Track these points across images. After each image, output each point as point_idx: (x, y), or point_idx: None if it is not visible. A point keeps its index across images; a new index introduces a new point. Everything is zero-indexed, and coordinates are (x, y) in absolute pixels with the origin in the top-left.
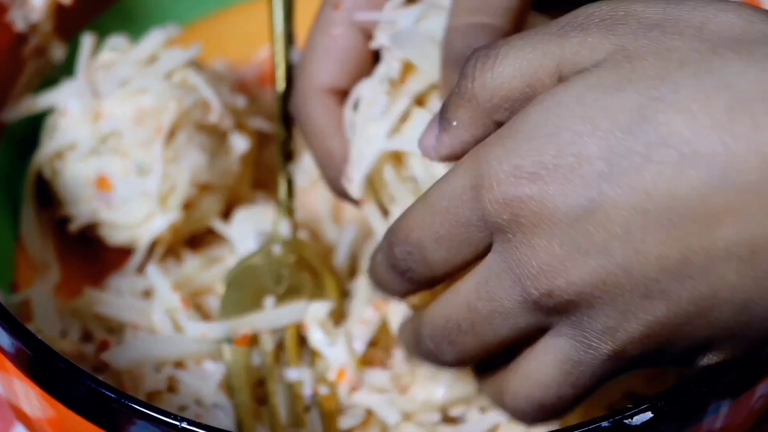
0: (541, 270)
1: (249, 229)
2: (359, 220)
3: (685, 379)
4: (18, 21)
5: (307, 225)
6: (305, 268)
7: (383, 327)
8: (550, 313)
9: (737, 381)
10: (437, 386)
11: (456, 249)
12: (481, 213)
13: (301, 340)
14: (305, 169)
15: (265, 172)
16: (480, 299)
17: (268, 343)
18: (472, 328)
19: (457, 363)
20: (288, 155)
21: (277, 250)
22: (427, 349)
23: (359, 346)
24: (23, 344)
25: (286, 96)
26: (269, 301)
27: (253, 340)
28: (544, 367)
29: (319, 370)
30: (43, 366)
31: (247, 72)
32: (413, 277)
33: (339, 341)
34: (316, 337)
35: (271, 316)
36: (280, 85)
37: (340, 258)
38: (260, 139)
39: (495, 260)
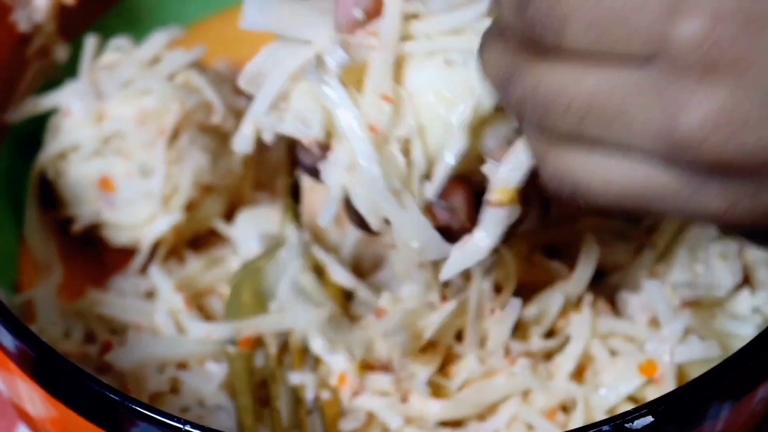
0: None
1: (251, 230)
2: None
3: (686, 383)
4: (22, 22)
5: (310, 227)
6: (309, 271)
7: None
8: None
9: (738, 384)
10: (434, 403)
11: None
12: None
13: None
14: None
15: (267, 173)
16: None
17: (272, 346)
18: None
19: None
20: (294, 160)
21: (283, 254)
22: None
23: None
24: (26, 345)
25: None
26: (273, 304)
27: (256, 343)
28: None
29: (321, 374)
30: (46, 367)
31: None
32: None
33: (339, 348)
34: (316, 344)
35: (274, 319)
36: None
37: (343, 261)
38: (262, 141)
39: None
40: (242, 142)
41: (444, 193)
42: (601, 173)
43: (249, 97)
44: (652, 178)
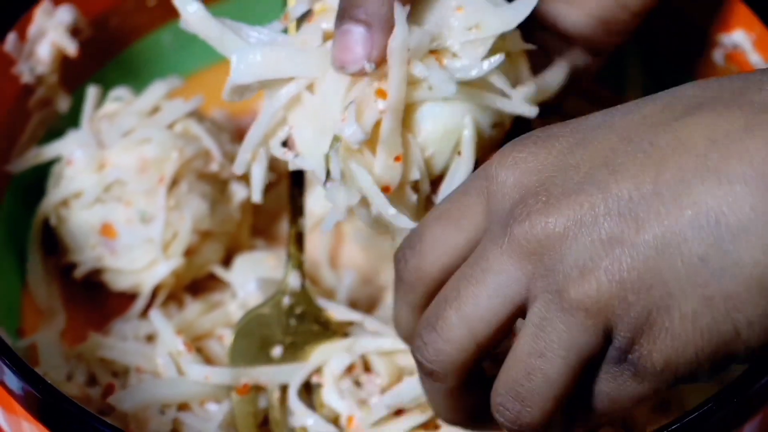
0: None
1: (249, 275)
2: (357, 265)
3: (673, 420)
4: (25, 73)
5: (306, 270)
6: (313, 318)
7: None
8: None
9: (725, 421)
10: None
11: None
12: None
13: (307, 386)
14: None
15: (265, 219)
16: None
17: (274, 391)
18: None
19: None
20: (299, 209)
21: (286, 301)
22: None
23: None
24: (32, 387)
25: None
26: (276, 350)
27: (257, 387)
28: None
29: (325, 414)
30: (51, 408)
31: (246, 122)
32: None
33: (348, 396)
34: (330, 397)
35: (273, 371)
36: None
37: (339, 303)
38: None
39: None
40: (240, 166)
41: None
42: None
43: None
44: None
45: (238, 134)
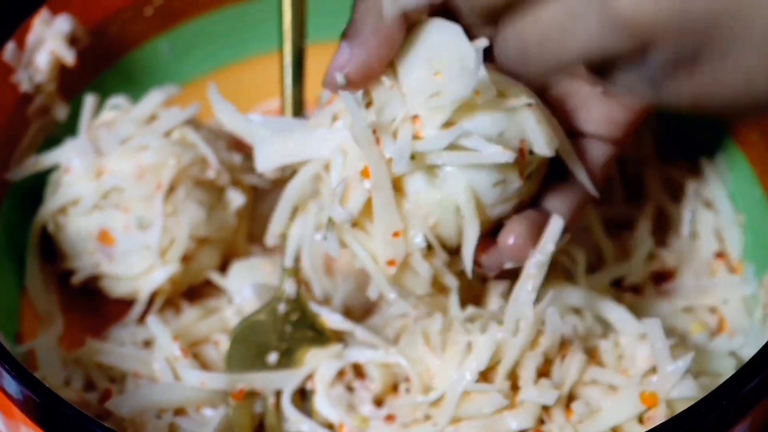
0: None
1: (245, 281)
2: (352, 272)
3: (661, 424)
4: (23, 82)
5: (301, 277)
6: (308, 325)
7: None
8: None
9: (715, 423)
10: None
11: None
12: None
13: (303, 392)
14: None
15: (261, 226)
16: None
17: (270, 397)
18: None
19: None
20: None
21: (281, 308)
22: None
23: (363, 408)
24: (31, 391)
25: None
26: (272, 357)
27: (253, 392)
28: None
29: (319, 420)
30: (49, 413)
31: None
32: None
33: (339, 404)
34: (321, 404)
35: (268, 377)
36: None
37: (334, 310)
38: (255, 194)
39: None
40: (271, 238)
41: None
42: (557, 34)
43: (242, 153)
44: (603, 39)
45: (234, 142)
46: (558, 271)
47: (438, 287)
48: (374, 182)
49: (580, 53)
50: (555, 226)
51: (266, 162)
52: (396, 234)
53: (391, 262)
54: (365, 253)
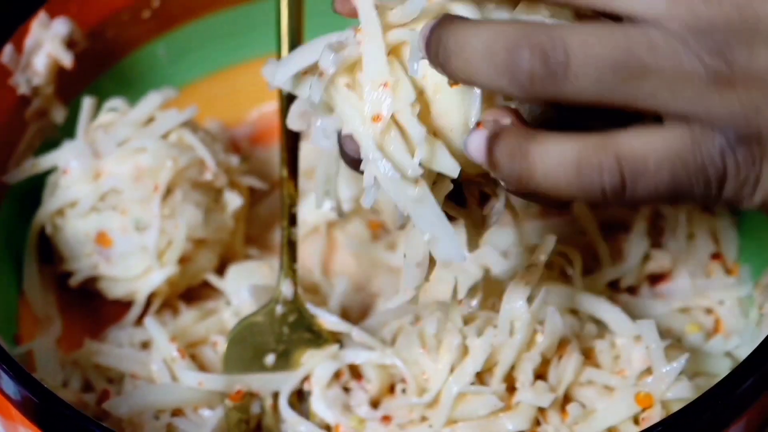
0: None
1: (242, 283)
2: (349, 273)
3: (655, 423)
4: (21, 84)
5: (299, 278)
6: (305, 326)
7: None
8: None
9: (710, 423)
10: None
11: None
12: None
13: (301, 393)
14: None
15: (258, 228)
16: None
17: (267, 398)
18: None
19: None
20: (292, 218)
21: (278, 309)
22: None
23: (360, 409)
24: (29, 392)
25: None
26: (269, 358)
27: (251, 394)
28: None
29: (317, 421)
30: (48, 413)
31: (239, 132)
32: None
33: (335, 405)
34: (317, 405)
35: (265, 378)
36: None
37: (332, 310)
38: (253, 197)
39: None
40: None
41: None
42: None
43: (239, 155)
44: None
45: (231, 144)
46: (554, 272)
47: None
48: (366, 33)
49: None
50: None
51: (281, 76)
52: (385, 85)
53: (376, 118)
54: (353, 112)
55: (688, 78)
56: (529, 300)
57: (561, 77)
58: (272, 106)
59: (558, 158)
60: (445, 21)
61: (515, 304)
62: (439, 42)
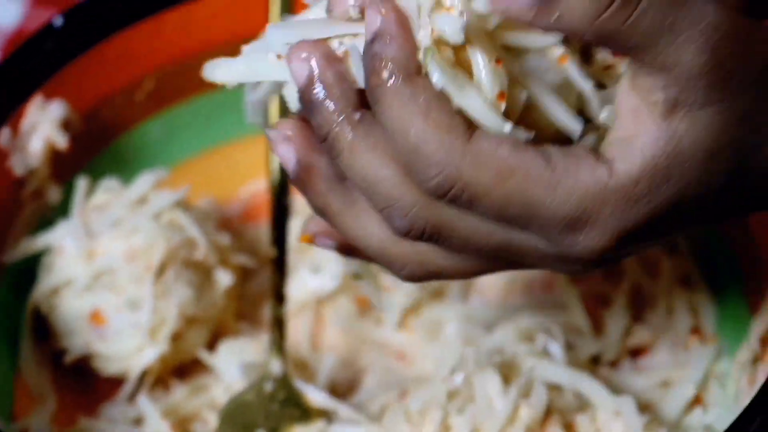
0: None
1: (233, 359)
2: (337, 348)
3: None
4: (17, 166)
5: (288, 353)
6: (294, 403)
7: None
8: None
9: None
10: None
11: None
12: None
13: None
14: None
15: (249, 304)
16: None
17: None
18: None
19: None
20: (281, 297)
21: (268, 387)
22: None
23: None
24: None
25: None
26: None
27: None
28: None
29: None
30: None
31: (231, 209)
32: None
33: None
34: None
35: None
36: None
37: (320, 386)
38: (244, 273)
39: None
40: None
41: None
42: None
43: (230, 233)
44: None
45: (223, 221)
46: (536, 346)
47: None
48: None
49: None
50: None
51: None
52: (498, 61)
53: (501, 96)
54: (471, 88)
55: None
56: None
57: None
58: (262, 183)
59: None
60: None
61: (495, 379)
62: None
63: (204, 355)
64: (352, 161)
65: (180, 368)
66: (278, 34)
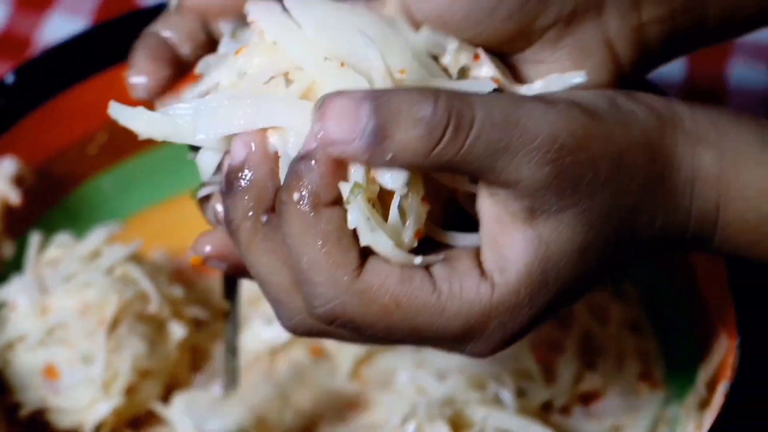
0: None
1: (187, 411)
2: (292, 397)
3: None
4: None
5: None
6: None
7: None
8: None
9: None
10: None
11: None
12: None
13: None
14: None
15: (203, 355)
16: None
17: None
18: None
19: None
20: (232, 350)
21: None
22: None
23: None
24: None
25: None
26: None
27: None
28: None
29: None
30: None
31: (184, 260)
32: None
33: None
34: None
35: None
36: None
37: None
38: (197, 325)
39: None
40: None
41: None
42: None
43: (183, 285)
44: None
45: (176, 273)
46: (487, 395)
47: None
48: None
49: None
50: None
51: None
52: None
53: (417, 233)
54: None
55: None
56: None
57: None
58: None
59: None
60: None
61: (444, 430)
62: None
63: (158, 408)
64: (248, 257)
65: (134, 421)
66: (204, 119)
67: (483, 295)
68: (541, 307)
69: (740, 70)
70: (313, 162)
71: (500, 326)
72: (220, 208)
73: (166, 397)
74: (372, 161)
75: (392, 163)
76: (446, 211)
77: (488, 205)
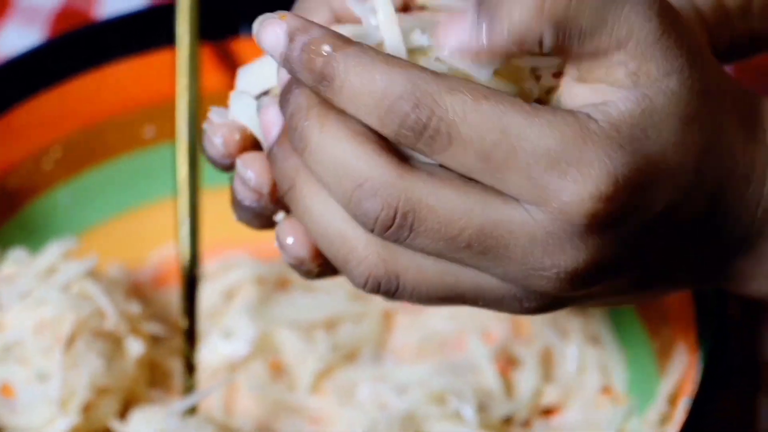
0: None
1: (145, 428)
2: (251, 413)
3: None
4: None
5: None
6: None
7: None
8: None
9: None
10: None
11: None
12: None
13: None
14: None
15: (160, 371)
16: None
17: None
18: None
19: None
20: (190, 367)
21: None
22: None
23: None
24: None
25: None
26: None
27: None
28: None
29: None
30: None
31: (141, 275)
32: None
33: None
34: None
35: None
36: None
37: None
38: (154, 341)
39: None
40: None
41: None
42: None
43: (140, 300)
44: (494, 289)
45: (133, 288)
46: (447, 409)
47: None
48: None
49: None
50: None
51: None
52: None
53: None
54: None
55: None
56: None
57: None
58: (172, 248)
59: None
60: None
61: None
62: None
63: (116, 425)
64: (319, 150)
65: None
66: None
67: (581, 116)
68: (642, 156)
69: None
70: None
71: (597, 159)
72: (276, 116)
73: (123, 414)
74: (492, 41)
75: (510, 35)
76: None
77: (579, 88)
